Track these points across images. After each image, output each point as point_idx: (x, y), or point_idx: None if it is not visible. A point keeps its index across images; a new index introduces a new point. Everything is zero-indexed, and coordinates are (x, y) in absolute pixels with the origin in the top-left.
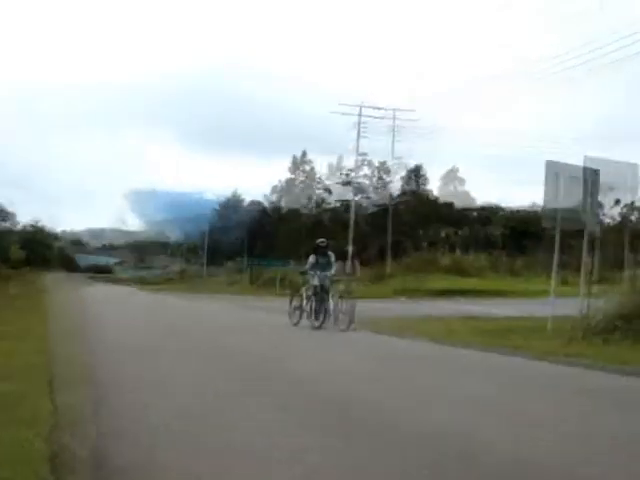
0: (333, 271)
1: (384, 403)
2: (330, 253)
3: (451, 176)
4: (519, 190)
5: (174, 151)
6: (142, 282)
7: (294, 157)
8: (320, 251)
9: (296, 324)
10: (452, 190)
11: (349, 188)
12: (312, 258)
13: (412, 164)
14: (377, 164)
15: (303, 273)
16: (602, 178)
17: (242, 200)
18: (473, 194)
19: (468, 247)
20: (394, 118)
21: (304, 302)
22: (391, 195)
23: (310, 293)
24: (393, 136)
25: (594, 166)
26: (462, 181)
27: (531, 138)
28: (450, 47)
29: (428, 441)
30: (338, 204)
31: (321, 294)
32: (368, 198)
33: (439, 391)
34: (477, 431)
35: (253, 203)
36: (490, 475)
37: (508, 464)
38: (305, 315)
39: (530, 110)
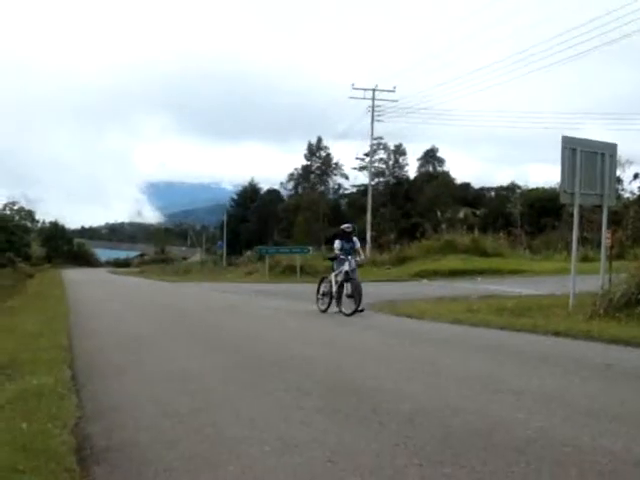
0: (364, 257)
1: (398, 384)
2: (355, 239)
3: (430, 156)
4: (503, 169)
5: (190, 141)
6: (162, 274)
7: (309, 144)
8: (346, 236)
9: (324, 311)
10: (431, 170)
11: (366, 173)
12: (338, 243)
13: (392, 145)
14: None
15: (332, 259)
16: (579, 158)
17: (259, 189)
18: (453, 174)
19: (487, 227)
20: (373, 98)
21: (334, 288)
22: (407, 178)
23: (340, 279)
24: (372, 116)
25: (572, 145)
26: (442, 161)
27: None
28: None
29: (445, 418)
30: (355, 189)
31: (354, 280)
32: (386, 181)
33: (455, 370)
34: (488, 409)
35: (270, 191)
36: (505, 449)
37: (519, 440)
38: (334, 302)
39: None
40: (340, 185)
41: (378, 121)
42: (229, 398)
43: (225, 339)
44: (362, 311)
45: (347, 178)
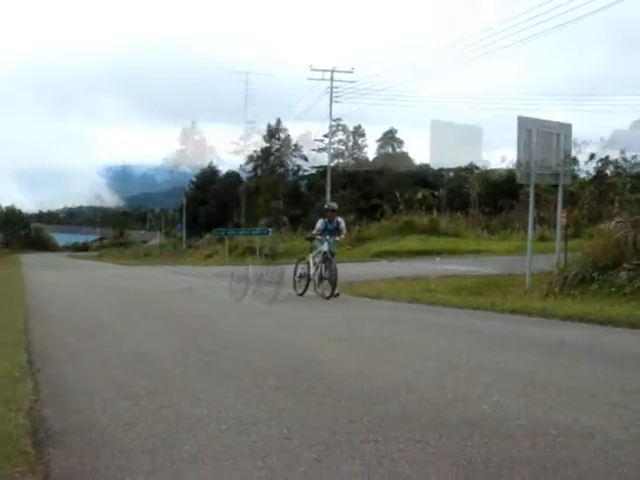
0: (344, 236)
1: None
2: (340, 219)
3: (389, 137)
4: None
5: (149, 124)
6: (121, 257)
7: (269, 125)
8: (329, 215)
9: (302, 294)
10: (390, 151)
11: (325, 154)
12: (320, 223)
13: (351, 126)
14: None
15: (310, 239)
16: (535, 138)
17: (218, 171)
18: (412, 155)
19: (445, 208)
20: (331, 80)
21: (311, 270)
22: (366, 159)
23: (318, 260)
24: (330, 97)
25: (528, 126)
26: (400, 142)
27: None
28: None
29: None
30: (314, 171)
31: (332, 261)
32: (345, 163)
33: (412, 349)
34: (444, 385)
35: (230, 174)
36: (460, 423)
37: (474, 414)
38: (312, 285)
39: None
40: (299, 167)
41: (337, 102)
42: (187, 380)
43: (184, 322)
44: (337, 295)
45: (306, 160)
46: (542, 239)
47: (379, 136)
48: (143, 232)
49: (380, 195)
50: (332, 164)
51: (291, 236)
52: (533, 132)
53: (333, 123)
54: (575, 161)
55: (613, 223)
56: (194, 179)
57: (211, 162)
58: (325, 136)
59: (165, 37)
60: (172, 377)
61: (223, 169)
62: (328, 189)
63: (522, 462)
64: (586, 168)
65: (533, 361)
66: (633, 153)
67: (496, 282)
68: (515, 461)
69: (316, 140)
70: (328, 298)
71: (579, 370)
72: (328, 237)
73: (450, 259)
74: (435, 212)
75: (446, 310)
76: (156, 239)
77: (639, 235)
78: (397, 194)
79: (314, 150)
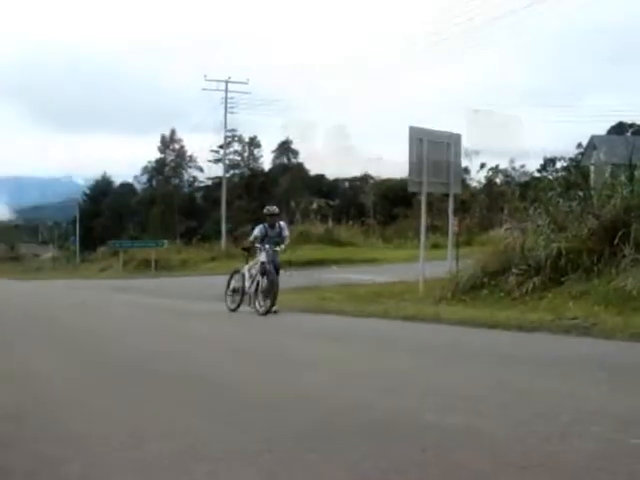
0: (284, 246)
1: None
2: (282, 224)
3: (284, 147)
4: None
5: (39, 134)
6: (12, 272)
7: (163, 136)
8: (270, 221)
9: (234, 310)
10: (285, 162)
11: (220, 165)
12: (258, 230)
13: (246, 136)
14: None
15: (246, 249)
16: (426, 148)
17: (112, 183)
18: (307, 166)
19: (341, 217)
20: (226, 90)
21: (247, 283)
22: (262, 170)
23: (255, 272)
24: (225, 108)
25: (418, 135)
26: (296, 153)
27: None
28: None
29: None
30: (210, 182)
31: (271, 273)
32: (241, 174)
33: (307, 358)
34: (341, 393)
35: (124, 185)
36: (353, 430)
37: (367, 420)
38: (248, 299)
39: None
40: (195, 178)
41: (232, 113)
42: (77, 396)
43: (76, 337)
44: (276, 312)
45: (202, 171)
46: (435, 247)
47: (275, 147)
48: (36, 246)
49: (276, 205)
50: (228, 175)
51: (187, 248)
52: (424, 142)
53: (229, 134)
54: (466, 170)
55: (502, 230)
56: (87, 191)
57: (105, 173)
58: (220, 147)
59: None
60: (61, 393)
61: (117, 180)
62: (223, 200)
63: (413, 466)
64: (477, 177)
65: (426, 365)
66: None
67: (391, 290)
68: (406, 465)
69: (211, 151)
70: (265, 314)
71: (471, 373)
72: (267, 246)
73: (346, 268)
74: (331, 222)
75: (340, 318)
76: (49, 253)
77: (527, 241)
78: (293, 204)
79: (210, 161)
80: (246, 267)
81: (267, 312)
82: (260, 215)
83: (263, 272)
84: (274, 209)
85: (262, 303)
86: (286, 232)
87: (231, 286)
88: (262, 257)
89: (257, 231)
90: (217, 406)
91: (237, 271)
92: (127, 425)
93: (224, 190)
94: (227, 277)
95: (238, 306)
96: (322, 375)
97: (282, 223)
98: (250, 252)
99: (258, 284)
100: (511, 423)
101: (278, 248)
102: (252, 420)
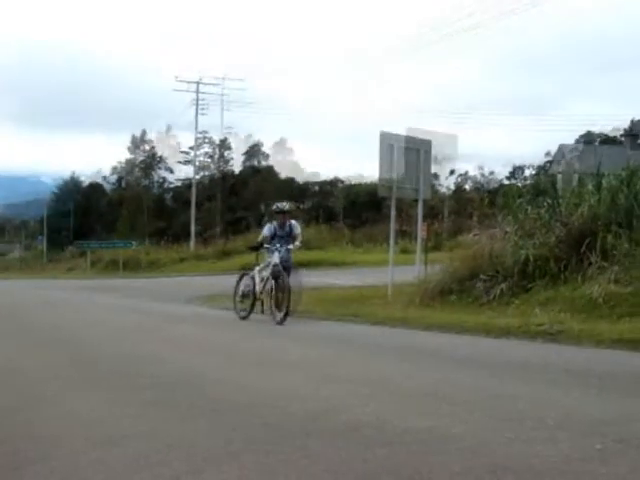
0: (299, 243)
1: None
2: (293, 222)
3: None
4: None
5: (4, 131)
6: None
7: (133, 137)
8: (280, 219)
9: (245, 318)
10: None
11: (191, 166)
12: (268, 229)
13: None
14: (218, 141)
15: (255, 248)
16: (397, 153)
17: (81, 182)
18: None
19: (310, 220)
20: (197, 91)
21: (257, 287)
22: (232, 172)
23: (267, 274)
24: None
25: (389, 141)
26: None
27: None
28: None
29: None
30: (180, 183)
31: (284, 276)
32: (211, 175)
33: (277, 360)
34: (318, 395)
35: (93, 185)
36: (333, 432)
37: (343, 423)
38: (259, 305)
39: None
40: (165, 179)
41: (203, 114)
42: (54, 395)
43: (47, 337)
44: (286, 316)
45: (172, 172)
46: (404, 251)
47: (245, 149)
48: (1, 245)
49: (246, 207)
50: (198, 176)
51: (156, 249)
52: (394, 147)
53: (199, 135)
54: (436, 176)
55: (471, 236)
56: (55, 190)
57: (73, 173)
58: (191, 148)
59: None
60: (38, 392)
61: (86, 180)
62: (193, 201)
63: (383, 470)
64: (447, 183)
65: (393, 370)
66: (491, 169)
67: (360, 294)
68: (377, 469)
69: (182, 152)
70: (281, 323)
71: (438, 378)
72: (279, 245)
73: (315, 272)
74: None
75: (309, 322)
76: (15, 252)
77: (495, 247)
78: (262, 207)
79: (180, 162)
80: (256, 269)
81: (283, 320)
82: (229, 218)
83: (276, 275)
84: (284, 206)
85: (275, 310)
86: (298, 230)
87: (240, 291)
88: (275, 258)
89: (266, 231)
90: (196, 407)
91: (246, 273)
92: (105, 426)
93: (194, 191)
94: (195, 278)
95: (249, 314)
96: (300, 377)
97: (293, 222)
98: (259, 251)
99: (271, 288)
100: (479, 428)
101: (291, 246)
102: (238, 421)
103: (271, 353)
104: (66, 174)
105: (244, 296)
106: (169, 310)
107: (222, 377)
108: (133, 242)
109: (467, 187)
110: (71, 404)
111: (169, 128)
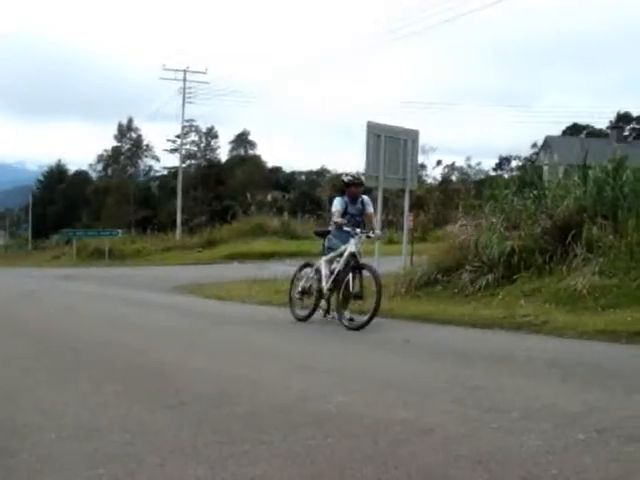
0: (380, 232)
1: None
2: (366, 198)
3: (242, 139)
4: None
5: None
6: None
7: (119, 125)
8: (351, 193)
9: (305, 319)
10: (242, 153)
11: (177, 155)
12: (339, 203)
13: (204, 127)
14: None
15: (323, 234)
16: (384, 143)
17: (67, 170)
18: (264, 158)
19: (297, 210)
20: (184, 80)
21: (324, 282)
22: (219, 161)
23: (342, 267)
24: (183, 97)
25: (376, 131)
26: (253, 145)
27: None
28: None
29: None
30: (166, 172)
31: (370, 268)
32: (197, 164)
33: (265, 349)
34: (294, 385)
35: (78, 173)
36: (305, 423)
37: (320, 414)
38: (325, 305)
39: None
40: (151, 167)
41: (190, 103)
42: (25, 387)
43: (23, 327)
44: (372, 319)
45: (158, 160)
46: (390, 242)
47: (232, 138)
48: None
49: (232, 196)
50: (184, 165)
51: (141, 237)
52: (381, 137)
53: (186, 124)
54: (423, 166)
55: (457, 226)
56: (41, 178)
57: (59, 161)
58: (177, 137)
59: None
60: (8, 384)
61: (72, 168)
62: (179, 190)
63: (365, 459)
64: (433, 174)
65: (378, 360)
66: (477, 160)
67: None
68: (358, 459)
69: (168, 140)
70: (360, 328)
71: (423, 368)
72: (359, 230)
73: (302, 261)
74: (286, 214)
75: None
76: (0, 239)
77: (481, 238)
78: (248, 196)
79: (166, 150)
80: (323, 259)
81: (366, 324)
82: (215, 206)
83: (356, 267)
84: (358, 177)
85: (350, 313)
86: (370, 209)
87: (300, 286)
88: (351, 245)
89: (338, 204)
90: (169, 398)
91: (307, 264)
92: (76, 417)
93: (180, 180)
94: (179, 268)
95: (310, 314)
96: (277, 367)
97: (365, 197)
98: (327, 237)
99: (347, 284)
100: (463, 418)
101: (373, 234)
102: (205, 412)
103: (246, 343)
104: (52, 161)
105: (304, 293)
106: (160, 300)
107: (187, 365)
108: (119, 231)
109: (454, 178)
110: (43, 396)
111: (155, 116)
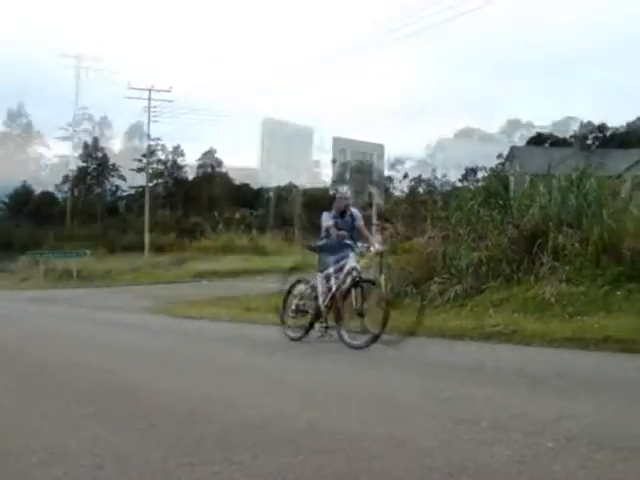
0: (379, 246)
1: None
2: (355, 211)
3: (208, 157)
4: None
5: None
6: None
7: (85, 144)
8: (340, 206)
9: (299, 339)
10: (209, 171)
11: (143, 174)
12: (329, 217)
13: (170, 146)
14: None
15: (315, 249)
16: (350, 158)
17: (32, 191)
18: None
19: (265, 226)
20: (149, 99)
21: (321, 300)
22: (186, 179)
23: (339, 282)
24: (149, 116)
25: (342, 146)
26: (219, 162)
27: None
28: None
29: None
30: (133, 191)
31: (362, 284)
32: (165, 183)
33: (235, 367)
34: (263, 403)
35: (44, 194)
36: (276, 441)
37: (291, 432)
38: (322, 323)
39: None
40: (118, 187)
41: (155, 122)
42: None
43: None
44: (378, 337)
45: (125, 179)
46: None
47: (199, 156)
48: None
49: (200, 214)
50: (151, 184)
51: (109, 258)
52: (347, 152)
53: (152, 142)
54: (390, 179)
55: (425, 238)
56: (5, 199)
57: (25, 182)
58: (144, 156)
59: None
60: None
61: (37, 189)
62: (146, 209)
63: (337, 475)
64: (400, 186)
65: (349, 375)
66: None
67: None
68: (330, 475)
69: (135, 160)
70: (369, 344)
71: (394, 381)
72: (360, 244)
73: (272, 277)
74: (255, 231)
75: (266, 328)
76: None
77: (448, 250)
78: (216, 214)
79: (133, 170)
80: (319, 276)
81: (373, 341)
82: (183, 224)
83: (356, 283)
84: (345, 192)
85: (341, 328)
86: (360, 221)
87: (293, 305)
88: (350, 261)
89: (328, 218)
90: (139, 420)
91: (300, 282)
92: (45, 441)
93: (147, 200)
94: (147, 287)
95: (306, 333)
96: (248, 385)
97: (355, 211)
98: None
99: (349, 300)
100: (434, 430)
101: (373, 248)
102: (176, 433)
103: (216, 361)
104: (17, 183)
105: (299, 311)
106: (130, 320)
107: (157, 385)
108: (87, 251)
109: (421, 190)
110: (11, 419)
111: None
